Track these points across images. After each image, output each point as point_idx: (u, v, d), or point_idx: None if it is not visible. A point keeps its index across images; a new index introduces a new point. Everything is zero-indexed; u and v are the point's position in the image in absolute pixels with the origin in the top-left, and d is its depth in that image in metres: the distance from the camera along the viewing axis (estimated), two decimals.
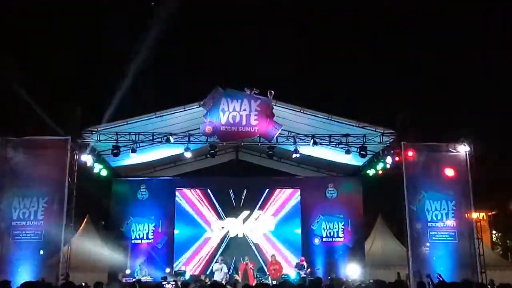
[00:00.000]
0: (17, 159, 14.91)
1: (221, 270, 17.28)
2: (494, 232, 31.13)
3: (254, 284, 16.54)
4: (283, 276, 17.35)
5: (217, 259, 17.98)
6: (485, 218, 28.03)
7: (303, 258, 18.27)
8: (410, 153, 15.71)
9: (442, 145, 16.20)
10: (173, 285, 16.35)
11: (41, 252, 14.54)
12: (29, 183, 14.89)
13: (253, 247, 19.55)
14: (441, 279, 12.85)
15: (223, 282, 16.08)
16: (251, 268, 17.49)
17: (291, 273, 17.92)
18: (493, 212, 29.57)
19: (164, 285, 16.31)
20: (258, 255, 19.36)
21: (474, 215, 16.24)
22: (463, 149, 15.97)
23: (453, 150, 16.08)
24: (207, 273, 18.46)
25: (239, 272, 17.71)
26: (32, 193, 14.88)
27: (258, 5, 30.57)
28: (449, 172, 15.88)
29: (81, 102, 15.83)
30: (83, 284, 13.49)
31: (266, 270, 18.21)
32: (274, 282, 15.94)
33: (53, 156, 15.10)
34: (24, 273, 13.91)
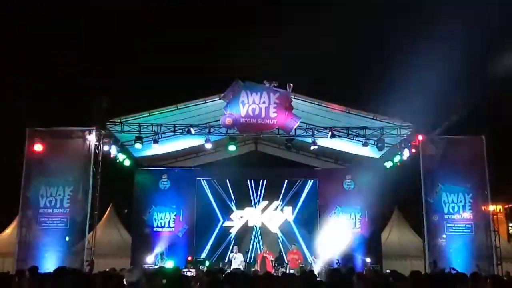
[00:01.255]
0: (44, 149, 15.19)
1: (237, 259, 17.38)
2: (510, 224, 30.74)
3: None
4: (301, 265, 17.37)
5: (232, 249, 18.06)
6: (501, 210, 27.67)
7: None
8: (427, 146, 15.67)
9: (459, 138, 16.09)
10: (193, 273, 16.54)
11: (67, 238, 14.84)
12: (55, 172, 15.22)
13: (271, 237, 19.63)
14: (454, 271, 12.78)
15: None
16: (269, 258, 17.53)
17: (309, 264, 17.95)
18: (510, 205, 29.16)
19: (185, 272, 16.52)
20: (276, 244, 19.44)
21: (491, 207, 16.15)
22: (479, 142, 15.83)
23: (469, 143, 15.95)
24: (225, 261, 18.61)
25: (257, 261, 17.79)
26: (58, 182, 15.19)
27: None
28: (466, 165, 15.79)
29: (106, 94, 15.97)
30: (107, 269, 13.71)
31: (284, 259, 18.25)
32: (292, 271, 15.97)
33: (79, 146, 15.39)
34: (50, 259, 14.23)
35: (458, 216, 15.65)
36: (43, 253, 14.52)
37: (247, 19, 31.63)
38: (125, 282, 5.55)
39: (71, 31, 28.13)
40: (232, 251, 17.93)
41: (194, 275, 15.34)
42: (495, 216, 16.70)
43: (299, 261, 17.54)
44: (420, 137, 15.81)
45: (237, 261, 17.25)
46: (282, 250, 19.01)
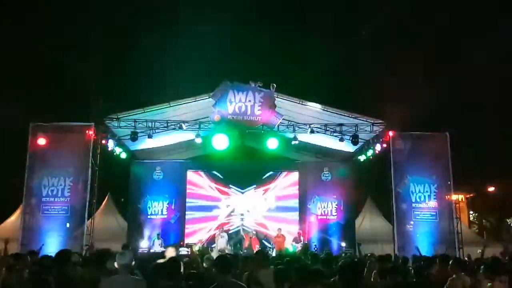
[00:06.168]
0: (46, 143, 15.09)
1: (223, 238, 17.43)
2: (471, 212, 31.22)
3: None
4: (286, 248, 17.49)
5: (219, 231, 18.15)
6: (463, 200, 28.08)
7: (300, 231, 18.48)
8: (396, 141, 15.87)
9: (425, 134, 16.33)
10: (188, 252, 16.51)
11: (68, 225, 14.79)
12: (57, 164, 15.13)
13: (256, 223, 19.73)
14: (418, 252, 13.06)
15: (226, 250, 16.25)
16: (256, 245, 17.58)
17: (290, 247, 18.05)
18: (471, 195, 29.61)
19: (180, 251, 16.49)
20: (260, 230, 19.55)
21: (454, 197, 16.42)
22: (444, 138, 16.05)
23: (435, 139, 16.16)
24: (213, 246, 18.66)
25: (245, 241, 17.83)
26: (59, 173, 15.11)
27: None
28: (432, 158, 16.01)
29: (104, 91, 15.92)
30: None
31: (267, 244, 18.36)
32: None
33: (78, 140, 15.30)
34: (52, 243, 14.18)
35: (424, 204, 15.88)
36: (45, 238, 14.47)
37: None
38: (116, 265, 5.44)
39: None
40: (218, 234, 17.95)
41: (188, 254, 15.33)
42: (457, 205, 17.01)
43: (283, 245, 17.66)
44: (391, 133, 16.01)
45: (222, 240, 17.28)
46: (264, 236, 19.16)
